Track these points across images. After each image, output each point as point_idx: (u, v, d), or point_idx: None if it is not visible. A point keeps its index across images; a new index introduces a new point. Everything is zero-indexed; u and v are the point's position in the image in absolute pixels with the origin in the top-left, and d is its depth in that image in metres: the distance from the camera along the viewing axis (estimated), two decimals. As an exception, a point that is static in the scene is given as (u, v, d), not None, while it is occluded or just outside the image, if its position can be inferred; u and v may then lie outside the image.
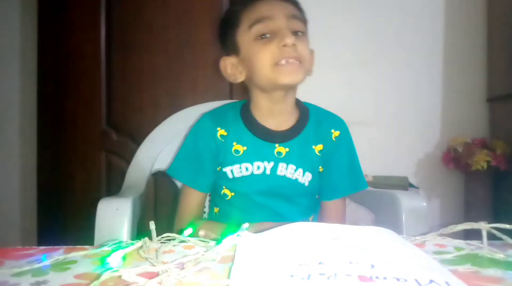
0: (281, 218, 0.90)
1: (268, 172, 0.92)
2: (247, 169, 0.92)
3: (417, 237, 0.54)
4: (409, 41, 2.04)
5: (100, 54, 2.07)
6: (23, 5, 2.07)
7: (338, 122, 0.99)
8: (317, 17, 1.87)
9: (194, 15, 2.01)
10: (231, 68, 0.93)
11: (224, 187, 0.95)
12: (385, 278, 0.39)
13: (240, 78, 0.92)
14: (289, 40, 0.81)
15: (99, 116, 2.08)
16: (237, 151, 0.92)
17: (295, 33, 0.85)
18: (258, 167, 0.92)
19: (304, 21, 0.91)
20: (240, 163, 0.92)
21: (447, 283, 0.38)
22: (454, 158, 1.93)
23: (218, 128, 0.94)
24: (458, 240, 0.52)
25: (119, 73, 2.08)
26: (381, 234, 0.51)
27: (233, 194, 0.95)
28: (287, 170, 0.92)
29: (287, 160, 0.92)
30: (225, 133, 0.94)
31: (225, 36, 0.93)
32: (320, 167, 0.96)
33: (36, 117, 2.09)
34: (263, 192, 0.92)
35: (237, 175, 0.93)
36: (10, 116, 2.10)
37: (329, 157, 0.95)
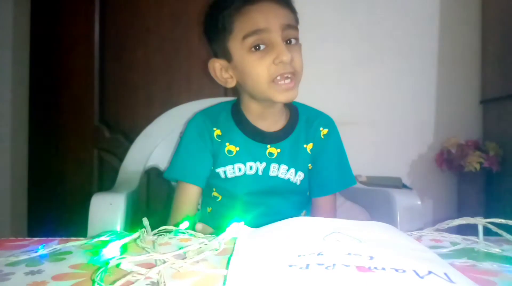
0: (273, 215, 0.86)
1: (260, 172, 0.93)
2: (240, 169, 0.93)
3: (413, 232, 0.54)
4: (404, 42, 2.05)
5: (93, 51, 2.05)
6: (16, 1, 2.05)
7: (326, 120, 1.00)
8: (313, 18, 1.88)
9: (189, 13, 2.00)
10: (220, 70, 0.91)
11: (214, 189, 0.96)
12: (383, 269, 0.39)
13: (232, 83, 0.91)
14: (286, 58, 0.80)
15: (92, 113, 2.06)
16: (230, 152, 0.93)
17: (289, 41, 0.85)
18: (251, 168, 0.93)
19: (297, 24, 0.89)
20: (233, 163, 0.92)
21: (445, 274, 0.38)
22: (447, 159, 1.94)
23: (215, 128, 0.94)
24: (455, 235, 0.52)
25: (112, 70, 2.06)
26: (380, 228, 0.51)
27: (222, 197, 0.96)
28: (279, 171, 0.93)
29: (279, 160, 0.93)
30: (220, 133, 0.94)
31: (215, 40, 0.90)
32: (309, 164, 0.97)
33: (28, 113, 2.07)
34: (255, 192, 0.93)
35: (230, 175, 0.93)
36: (2, 111, 2.07)
37: (318, 155, 0.96)
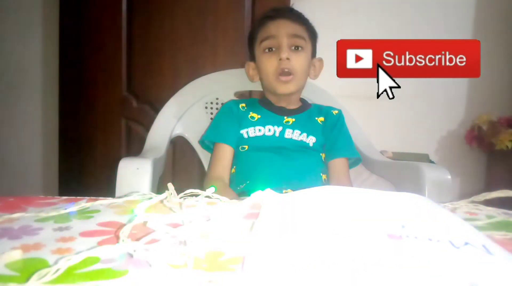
0: (293, 169, 1.07)
1: (277, 134, 1.12)
2: (259, 130, 1.13)
3: (447, 204, 0.52)
4: (437, 12, 1.96)
5: (121, 20, 2.05)
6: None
7: (336, 109, 1.21)
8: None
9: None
10: (251, 70, 1.20)
11: (240, 146, 1.13)
12: (416, 237, 0.37)
13: (256, 79, 1.21)
14: (284, 55, 1.06)
15: (120, 83, 2.07)
16: (252, 118, 1.15)
17: (296, 48, 1.10)
18: (269, 130, 1.13)
19: (307, 37, 1.12)
20: (254, 126, 1.14)
21: (484, 246, 0.36)
22: (478, 137, 1.88)
23: (241, 104, 1.19)
24: (491, 208, 0.50)
25: (140, 39, 2.05)
26: (413, 199, 0.49)
27: (248, 147, 1.12)
28: (293, 134, 1.12)
29: (293, 127, 1.13)
30: (245, 106, 1.19)
31: (249, 47, 1.21)
32: (320, 135, 1.15)
33: (58, 82, 2.10)
34: (273, 148, 1.10)
35: (251, 135, 1.13)
36: (33, 80, 2.11)
37: (329, 127, 1.16)
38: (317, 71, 1.20)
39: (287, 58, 1.06)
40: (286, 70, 1.07)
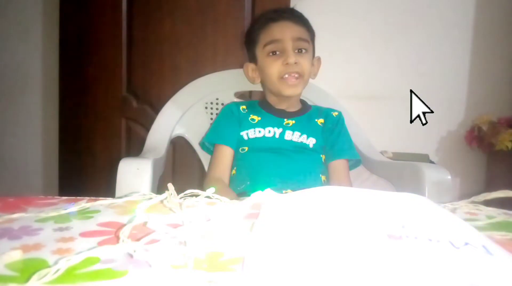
0: (293, 172, 1.07)
1: (277, 136, 1.12)
2: (260, 132, 1.14)
3: (447, 204, 0.52)
4: (437, 13, 1.96)
5: (121, 21, 2.05)
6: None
7: (337, 110, 1.22)
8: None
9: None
10: (251, 72, 1.19)
11: (240, 147, 1.14)
12: (416, 238, 0.37)
13: (257, 81, 1.20)
14: (291, 60, 1.06)
15: (120, 83, 2.07)
16: (252, 120, 1.16)
17: (299, 50, 1.10)
18: (269, 131, 1.13)
19: (309, 39, 1.13)
20: (254, 127, 1.14)
21: (484, 246, 0.36)
22: (478, 137, 1.88)
23: (241, 106, 1.19)
24: (491, 208, 0.50)
25: (140, 40, 2.05)
26: (413, 199, 0.49)
27: (248, 148, 1.13)
28: (293, 136, 1.13)
29: (294, 128, 1.14)
30: (246, 108, 1.19)
31: (248, 48, 1.21)
32: (320, 137, 1.15)
33: (58, 82, 2.10)
34: (273, 149, 1.11)
35: (251, 136, 1.14)
36: (33, 81, 2.11)
37: (330, 129, 1.17)
38: (316, 70, 1.20)
39: (295, 63, 1.07)
40: (294, 74, 1.08)
